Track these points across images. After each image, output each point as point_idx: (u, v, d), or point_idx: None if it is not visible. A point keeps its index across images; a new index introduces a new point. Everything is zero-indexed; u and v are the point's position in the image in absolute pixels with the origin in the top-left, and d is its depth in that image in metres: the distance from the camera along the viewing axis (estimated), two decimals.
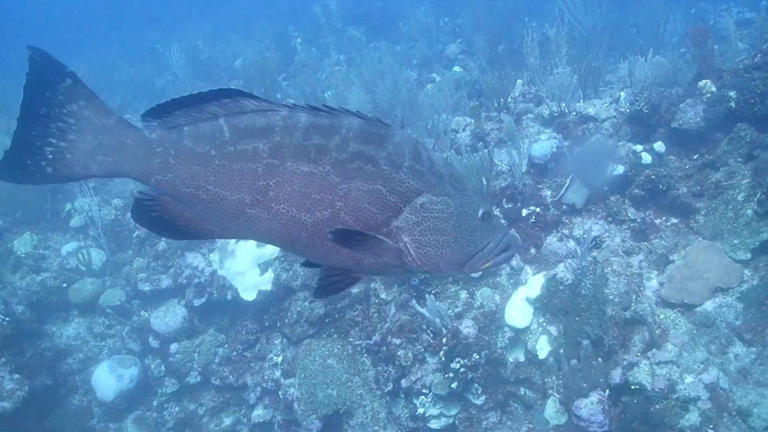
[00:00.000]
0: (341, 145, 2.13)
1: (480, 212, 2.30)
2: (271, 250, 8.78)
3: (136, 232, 9.86)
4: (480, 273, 2.06)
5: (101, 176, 2.23)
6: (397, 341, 7.56)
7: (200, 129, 2.15)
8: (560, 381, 6.11)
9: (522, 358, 7.08)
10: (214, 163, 2.14)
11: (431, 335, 7.17)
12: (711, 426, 5.72)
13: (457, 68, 15.03)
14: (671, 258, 7.05)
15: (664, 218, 7.54)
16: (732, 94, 7.69)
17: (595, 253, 7.26)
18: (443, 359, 6.94)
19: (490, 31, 14.71)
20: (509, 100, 10.33)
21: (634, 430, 5.68)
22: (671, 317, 6.49)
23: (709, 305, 6.61)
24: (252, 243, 8.93)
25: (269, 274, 8.71)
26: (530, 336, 7.02)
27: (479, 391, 7.04)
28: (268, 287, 8.65)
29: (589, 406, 5.66)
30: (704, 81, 7.89)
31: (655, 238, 7.32)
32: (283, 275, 8.65)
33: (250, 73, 14.53)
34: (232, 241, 8.86)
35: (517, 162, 8.04)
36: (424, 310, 7.05)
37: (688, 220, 7.40)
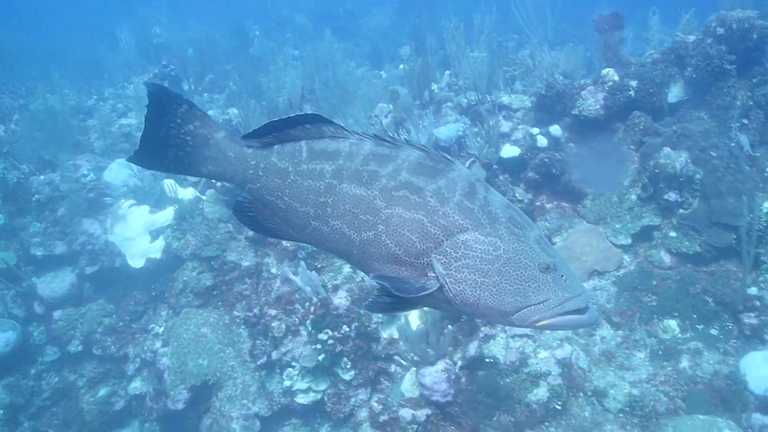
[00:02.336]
0: (392, 174, 2.26)
1: (539, 264, 2.17)
2: (164, 218, 8.53)
3: (36, 196, 9.57)
4: (539, 329, 2.05)
5: (210, 178, 2.82)
6: (273, 312, 7.30)
7: (285, 148, 2.47)
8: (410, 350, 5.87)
9: (396, 334, 6.82)
10: (290, 177, 2.43)
11: (305, 305, 6.92)
12: (559, 402, 5.49)
13: (402, 66, 14.96)
14: (554, 240, 6.87)
15: (555, 202, 7.37)
16: (633, 83, 7.59)
17: None
18: (310, 329, 6.68)
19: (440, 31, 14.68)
20: (434, 89, 10.21)
21: (479, 402, 5.44)
22: None
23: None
24: (145, 208, 8.68)
25: (160, 242, 8.43)
26: (408, 313, 6.78)
27: (348, 366, 6.76)
28: (157, 255, 8.37)
29: (434, 374, 5.42)
30: (607, 69, 7.78)
31: (541, 220, 7.15)
32: (174, 244, 8.38)
33: (200, 60, 14.41)
34: (125, 204, 8.60)
35: (415, 139, 7.87)
36: (296, 278, 6.81)
37: (577, 204, 7.23)
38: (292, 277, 6.79)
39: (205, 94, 14.36)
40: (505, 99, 8.87)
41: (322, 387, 6.90)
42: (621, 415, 5.70)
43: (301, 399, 6.93)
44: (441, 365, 5.47)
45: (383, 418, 5.56)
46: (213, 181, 8.25)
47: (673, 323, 6.13)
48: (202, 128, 2.56)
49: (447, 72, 10.71)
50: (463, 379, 5.63)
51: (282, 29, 18.96)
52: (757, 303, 5.91)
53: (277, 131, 2.50)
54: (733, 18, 7.00)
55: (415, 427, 5.29)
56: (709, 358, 5.85)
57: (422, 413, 5.37)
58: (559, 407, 5.49)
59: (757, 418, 5.40)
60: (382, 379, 6.86)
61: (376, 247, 2.30)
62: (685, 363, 5.86)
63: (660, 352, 5.99)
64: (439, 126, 8.65)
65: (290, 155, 2.45)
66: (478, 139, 7.42)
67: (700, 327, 6.06)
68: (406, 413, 5.35)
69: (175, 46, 17.34)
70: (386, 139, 2.35)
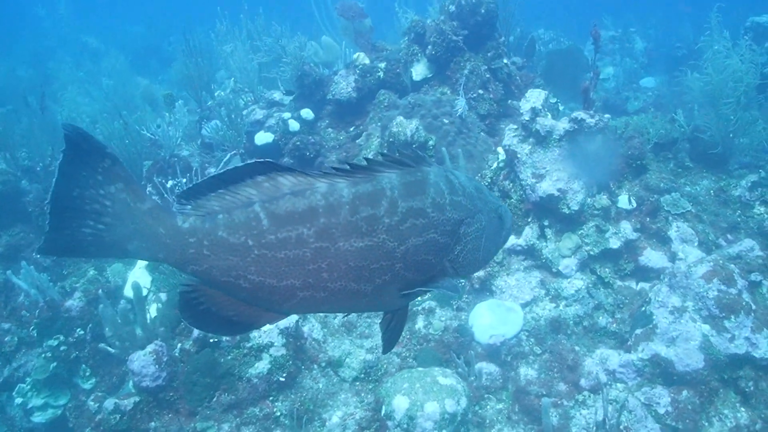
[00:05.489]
0: (391, 209, 2.03)
1: (497, 211, 2.32)
2: None
3: None
4: None
5: (139, 259, 2.13)
6: (6, 326, 6.62)
7: (235, 218, 2.00)
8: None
9: (140, 332, 6.35)
10: (253, 253, 2.00)
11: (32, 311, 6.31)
12: (283, 374, 5.23)
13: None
14: None
15: None
16: (382, 65, 7.70)
17: None
18: (35, 335, 6.08)
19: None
20: (220, 94, 9.99)
21: (196, 383, 5.07)
22: None
23: None
24: None
25: None
26: (148, 305, 6.34)
27: (88, 374, 6.20)
28: None
29: (142, 358, 5.01)
30: (358, 54, 7.86)
31: None
32: None
33: None
34: None
35: (171, 134, 7.56)
36: (19, 281, 6.21)
37: None
38: (15, 280, 6.18)
39: None
40: (277, 96, 8.77)
41: (62, 401, 6.27)
42: (357, 383, 5.53)
43: (38, 417, 6.25)
44: (151, 347, 5.06)
45: (99, 417, 5.05)
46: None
47: None
48: (123, 192, 2.03)
49: (233, 79, 10.53)
50: (183, 363, 5.25)
51: (96, 60, 18.23)
52: None
53: (219, 190, 2.04)
54: None
55: (118, 417, 4.83)
56: (441, 315, 5.83)
57: (129, 402, 4.92)
58: (283, 379, 5.23)
59: (482, 366, 5.40)
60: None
61: (393, 284, 2.09)
62: (420, 323, 5.81)
63: None
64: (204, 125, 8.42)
65: (245, 227, 1.99)
66: (224, 128, 7.23)
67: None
68: (108, 404, 4.87)
69: None
70: (359, 166, 2.04)
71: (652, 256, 5.84)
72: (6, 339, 6.55)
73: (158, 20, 18.64)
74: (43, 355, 6.11)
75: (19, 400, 6.25)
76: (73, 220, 1.99)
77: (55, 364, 6.08)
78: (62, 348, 6.10)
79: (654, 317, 5.23)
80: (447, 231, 2.14)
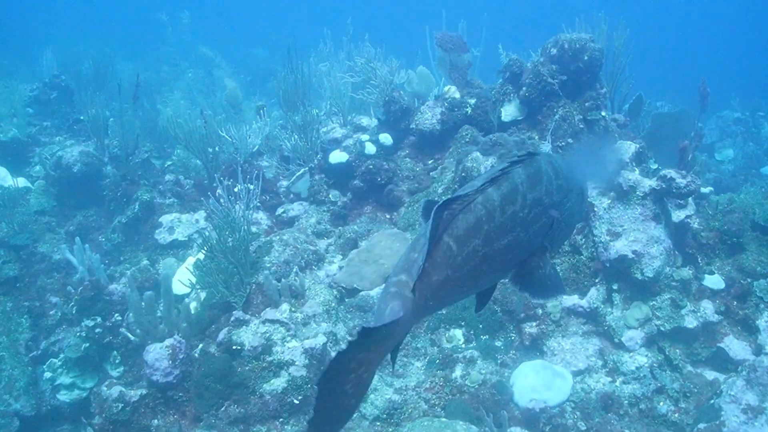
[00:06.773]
0: (522, 203, 2.20)
1: (581, 188, 2.49)
2: None
3: None
4: None
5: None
6: (55, 300, 6.69)
7: (437, 259, 2.08)
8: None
9: (163, 325, 6.21)
10: (451, 278, 2.11)
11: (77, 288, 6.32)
12: (299, 397, 4.87)
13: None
14: (360, 244, 6.42)
15: (371, 208, 7.01)
16: (471, 101, 7.40)
17: (288, 229, 6.63)
18: (74, 311, 6.06)
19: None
20: (315, 112, 10.03)
21: (207, 387, 4.81)
22: (320, 291, 5.78)
23: (374, 292, 5.92)
24: None
25: None
26: (187, 302, 6.21)
27: (118, 361, 6.10)
28: None
29: (158, 350, 4.81)
30: (449, 87, 7.60)
31: (352, 224, 6.73)
32: None
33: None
34: None
35: (246, 137, 7.56)
36: (71, 256, 6.26)
37: (394, 213, 6.86)
38: (68, 255, 6.23)
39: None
40: (365, 121, 8.63)
41: (89, 384, 6.19)
42: (378, 423, 5.08)
43: (64, 396, 6.20)
44: (168, 342, 4.87)
45: (106, 404, 4.89)
46: None
47: (458, 333, 5.62)
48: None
49: (329, 102, 10.56)
50: (200, 364, 5.01)
51: (209, 71, 18.94)
52: (540, 311, 5.43)
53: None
54: (566, 39, 6.89)
55: (120, 406, 4.63)
56: (481, 368, 5.30)
57: (136, 393, 4.73)
58: (298, 402, 4.86)
59: (514, 431, 4.81)
60: None
61: (515, 265, 2.27)
62: (458, 372, 5.31)
63: (437, 361, 5.44)
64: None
65: (444, 261, 2.07)
66: (298, 140, 7.13)
67: (484, 337, 5.54)
68: (114, 391, 4.69)
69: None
70: (499, 173, 2.16)
71: (733, 345, 5.09)
72: (51, 312, 6.61)
73: (279, 44, 19.27)
74: (78, 334, 6.08)
75: (48, 375, 6.23)
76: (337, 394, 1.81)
77: (87, 344, 6.03)
78: (97, 330, 6.04)
79: (723, 413, 4.49)
80: (552, 215, 2.29)
